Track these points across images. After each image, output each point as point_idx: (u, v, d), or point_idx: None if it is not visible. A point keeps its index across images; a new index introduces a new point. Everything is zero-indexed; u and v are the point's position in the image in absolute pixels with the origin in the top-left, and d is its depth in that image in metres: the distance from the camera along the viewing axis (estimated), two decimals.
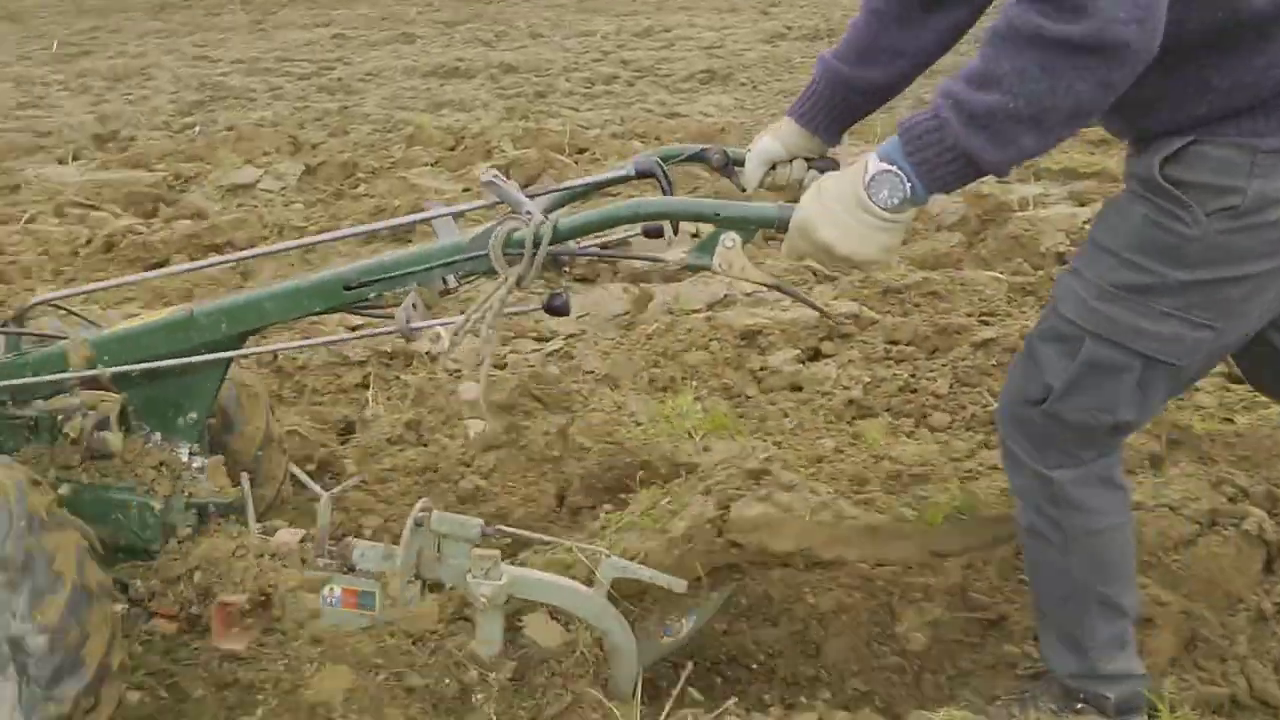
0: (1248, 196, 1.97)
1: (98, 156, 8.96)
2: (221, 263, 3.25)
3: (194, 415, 2.42)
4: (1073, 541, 2.28)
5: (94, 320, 2.75)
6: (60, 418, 2.40)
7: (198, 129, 10.16)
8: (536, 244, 2.08)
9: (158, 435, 2.44)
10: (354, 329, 3.22)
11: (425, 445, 3.80)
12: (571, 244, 2.17)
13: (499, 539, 2.34)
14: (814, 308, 2.53)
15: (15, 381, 2.38)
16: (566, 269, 2.31)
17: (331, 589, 2.29)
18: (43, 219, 6.90)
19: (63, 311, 2.74)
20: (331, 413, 4.09)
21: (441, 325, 2.22)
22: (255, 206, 7.20)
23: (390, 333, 2.29)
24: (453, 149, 8.47)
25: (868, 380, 4.30)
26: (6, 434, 2.42)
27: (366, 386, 4.43)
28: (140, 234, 6.25)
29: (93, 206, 7.10)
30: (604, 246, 2.35)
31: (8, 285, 5.73)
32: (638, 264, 4.58)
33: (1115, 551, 2.33)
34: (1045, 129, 1.80)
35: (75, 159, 8.84)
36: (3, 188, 7.92)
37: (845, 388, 4.25)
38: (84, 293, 3.41)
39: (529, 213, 2.14)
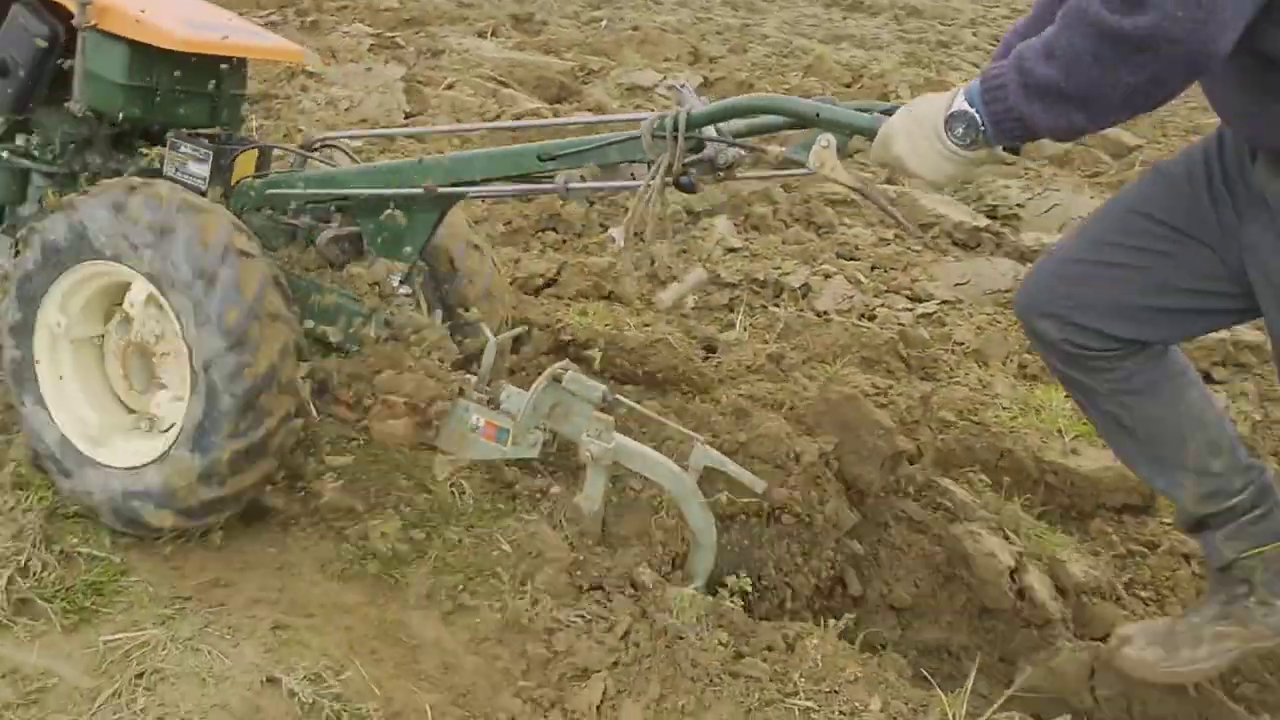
0: None
1: (514, 36, 9.43)
2: (458, 130, 3.58)
3: (409, 249, 2.79)
4: None
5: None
6: (311, 230, 2.87)
7: (605, 24, 10.51)
8: (676, 130, 2.27)
9: (380, 261, 2.79)
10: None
11: (785, 381, 3.82)
12: (712, 132, 2.33)
13: (616, 407, 2.60)
14: (896, 220, 2.43)
15: (284, 191, 2.88)
16: (721, 173, 2.46)
17: (477, 419, 2.56)
18: (460, 87, 7.36)
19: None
20: (698, 328, 4.17)
21: (593, 187, 2.50)
22: (650, 109, 7.38)
23: (550, 190, 2.58)
24: (849, 85, 8.38)
25: (1258, 419, 3.97)
26: (273, 236, 2.88)
27: (733, 309, 4.49)
28: (544, 118, 6.55)
29: (504, 84, 7.50)
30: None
31: (420, 143, 6.16)
32: None
33: None
34: (1096, 113, 1.82)
35: (494, 35, 9.35)
36: (427, 51, 8.49)
37: (1232, 421, 3.92)
38: (360, 136, 4.15)
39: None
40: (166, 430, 2.55)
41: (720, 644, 2.41)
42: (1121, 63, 1.71)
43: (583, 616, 2.48)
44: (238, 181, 2.91)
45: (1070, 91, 1.78)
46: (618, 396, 2.61)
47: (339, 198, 2.84)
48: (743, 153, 2.40)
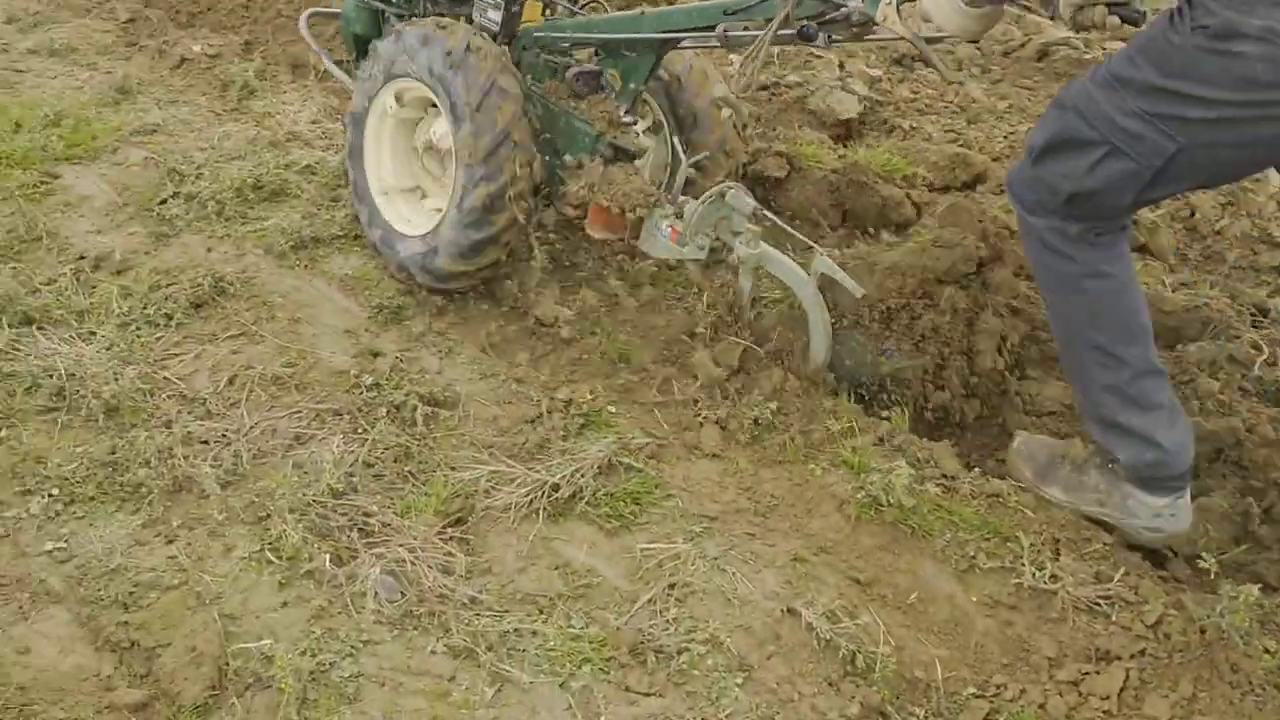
0: (1218, 19, 2.10)
1: None
2: None
3: (633, 85, 3.37)
4: (1059, 287, 2.53)
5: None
6: (565, 66, 3.51)
7: None
8: None
9: (613, 94, 3.41)
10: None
11: None
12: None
13: (763, 221, 3.08)
14: (938, 70, 2.82)
15: (545, 34, 3.52)
16: (855, 29, 2.75)
17: (665, 225, 3.16)
18: None
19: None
20: (1245, 291, 3.77)
21: (741, 36, 2.86)
22: None
23: (716, 37, 2.91)
24: None
25: None
26: (542, 72, 3.54)
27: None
28: (1076, 49, 6.15)
29: (1030, 9, 7.08)
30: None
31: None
32: None
33: (1104, 304, 2.47)
34: None
35: None
36: None
37: None
38: None
39: None
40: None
41: (1266, 652, 2.20)
42: None
43: (1108, 598, 2.36)
44: (523, 26, 3.58)
45: None
46: (764, 212, 3.11)
47: (579, 41, 3.49)
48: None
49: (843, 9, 2.70)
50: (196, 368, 3.00)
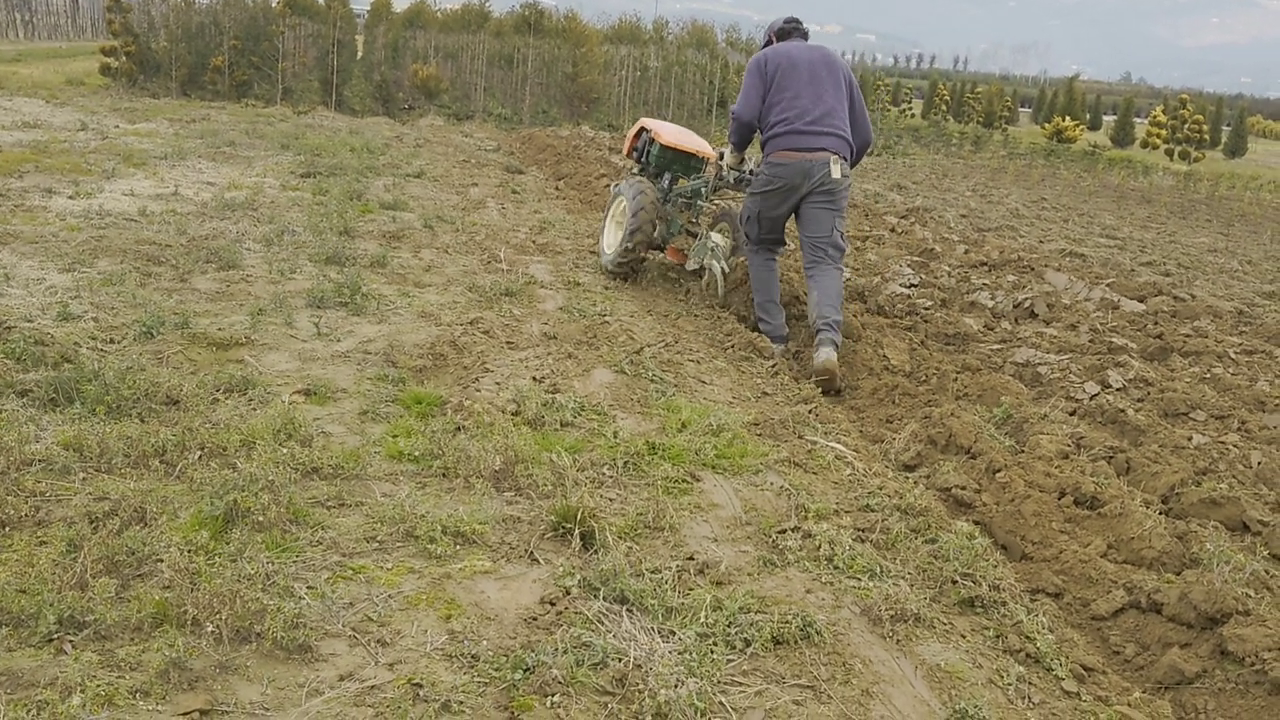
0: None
1: None
2: None
3: (699, 207, 8.49)
4: (752, 268, 7.23)
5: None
6: (678, 200, 8.65)
7: None
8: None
9: (692, 211, 8.61)
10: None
11: None
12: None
13: (719, 246, 7.97)
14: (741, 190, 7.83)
15: (675, 190, 8.67)
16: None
17: (697, 256, 8.15)
18: None
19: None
20: None
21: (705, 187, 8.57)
22: None
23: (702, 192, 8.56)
24: None
25: None
26: (675, 202, 8.51)
27: None
28: None
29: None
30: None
31: None
32: None
33: (761, 278, 7.12)
34: (733, 143, 7.48)
35: None
36: None
37: None
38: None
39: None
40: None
41: None
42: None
43: None
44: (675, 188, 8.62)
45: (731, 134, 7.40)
46: (718, 243, 7.81)
47: (686, 191, 8.43)
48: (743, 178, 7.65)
49: (731, 179, 7.62)
50: (754, 705, 2.81)
